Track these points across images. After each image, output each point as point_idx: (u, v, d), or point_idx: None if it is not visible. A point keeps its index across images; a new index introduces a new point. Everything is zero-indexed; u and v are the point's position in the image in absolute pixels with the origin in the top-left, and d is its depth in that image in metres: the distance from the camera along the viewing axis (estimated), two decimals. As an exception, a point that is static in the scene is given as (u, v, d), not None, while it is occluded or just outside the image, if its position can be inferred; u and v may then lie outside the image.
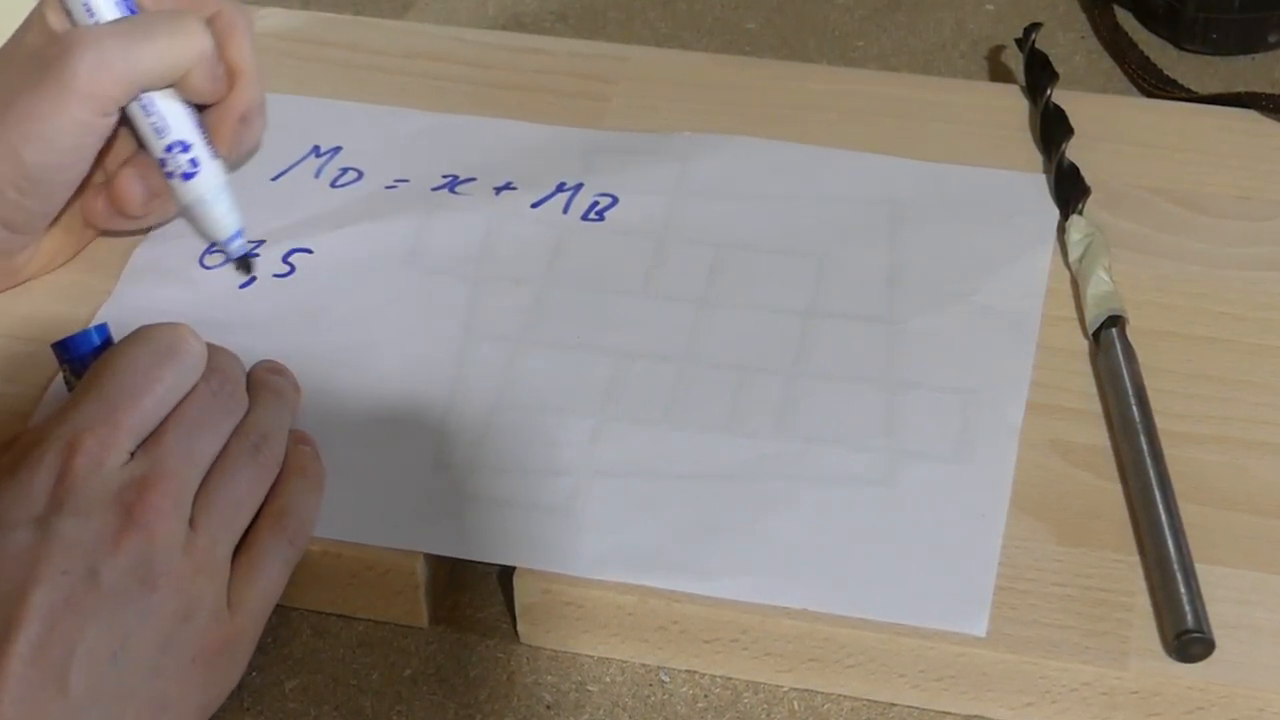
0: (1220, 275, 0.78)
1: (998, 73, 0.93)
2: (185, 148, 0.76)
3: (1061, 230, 0.79)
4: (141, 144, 0.77)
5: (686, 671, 0.68)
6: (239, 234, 0.78)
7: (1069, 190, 0.80)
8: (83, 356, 0.67)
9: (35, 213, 0.74)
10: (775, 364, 0.74)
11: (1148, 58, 0.92)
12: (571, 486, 0.70)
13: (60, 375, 0.69)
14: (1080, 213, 0.79)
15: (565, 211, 0.81)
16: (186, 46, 0.74)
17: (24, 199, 0.73)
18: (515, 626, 0.69)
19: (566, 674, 0.68)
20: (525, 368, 0.75)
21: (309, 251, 0.79)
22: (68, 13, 0.74)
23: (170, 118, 0.75)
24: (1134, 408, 0.71)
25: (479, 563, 0.70)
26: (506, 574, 0.69)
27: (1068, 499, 0.70)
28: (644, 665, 0.68)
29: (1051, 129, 0.82)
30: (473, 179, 0.82)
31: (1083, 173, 0.80)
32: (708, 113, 0.85)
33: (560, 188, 0.82)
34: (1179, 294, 0.77)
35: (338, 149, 0.84)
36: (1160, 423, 0.71)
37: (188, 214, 0.78)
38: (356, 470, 0.71)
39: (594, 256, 0.79)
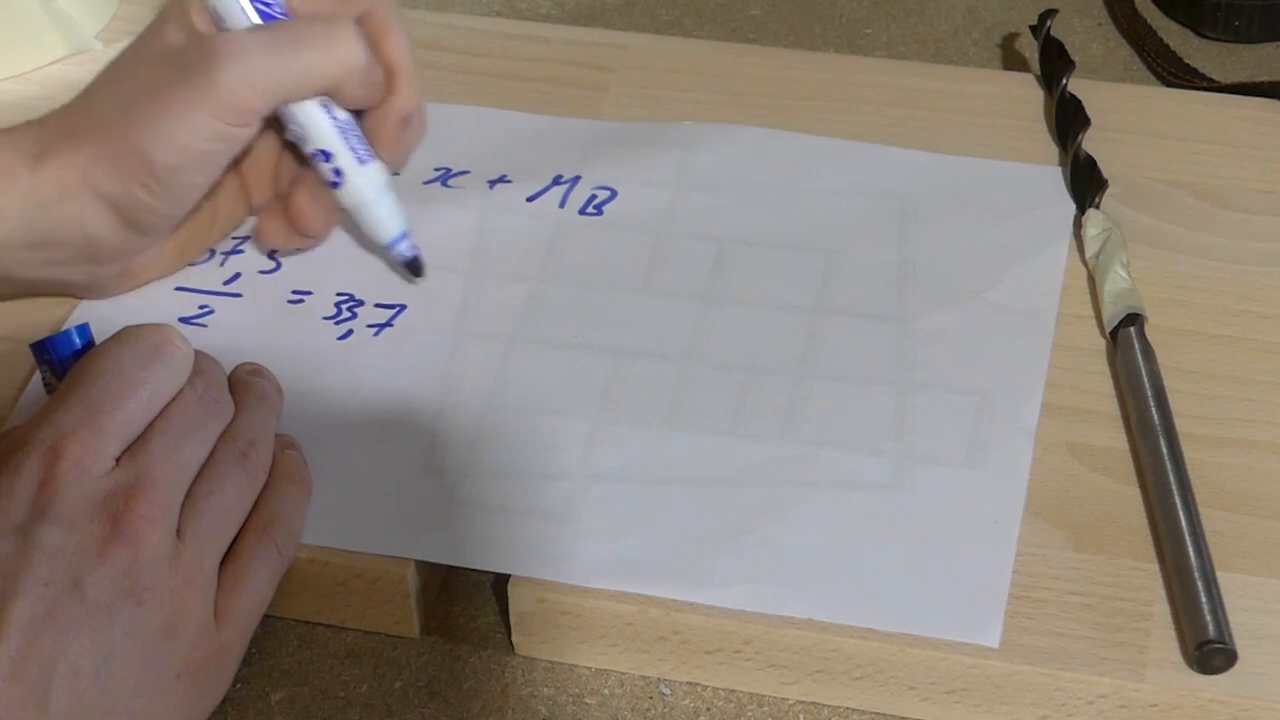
0: (1242, 271, 0.78)
1: (1011, 61, 0.93)
2: (327, 156, 0.75)
3: (1078, 225, 0.79)
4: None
5: (688, 684, 0.68)
6: (401, 238, 0.77)
7: (1086, 183, 0.80)
8: (63, 358, 0.67)
9: (161, 215, 0.73)
10: (780, 364, 0.74)
11: (1167, 45, 0.92)
12: (568, 491, 0.70)
13: (38, 376, 0.69)
14: (1097, 206, 0.79)
15: (562, 205, 0.81)
16: (337, 59, 0.73)
17: (151, 199, 0.72)
18: (510, 637, 0.69)
19: (563, 686, 0.68)
20: (520, 368, 0.75)
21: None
22: (214, 13, 0.73)
23: (309, 126, 0.75)
24: (1153, 409, 0.71)
25: (472, 570, 0.70)
26: (501, 582, 0.69)
27: (1084, 504, 0.70)
28: (644, 677, 0.68)
29: (1067, 119, 0.82)
30: (466, 171, 0.82)
31: (1100, 165, 0.80)
32: (710, 102, 0.85)
33: (557, 180, 0.82)
34: (1200, 291, 0.77)
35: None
36: (1180, 425, 0.71)
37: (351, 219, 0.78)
38: (344, 475, 0.71)
39: (592, 252, 0.79)
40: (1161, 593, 0.67)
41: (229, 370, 0.70)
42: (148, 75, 0.72)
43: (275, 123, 0.75)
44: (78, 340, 0.68)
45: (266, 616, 0.67)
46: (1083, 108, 0.82)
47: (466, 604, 0.71)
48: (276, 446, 0.69)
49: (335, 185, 0.76)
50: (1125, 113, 0.84)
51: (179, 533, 0.63)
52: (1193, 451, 0.70)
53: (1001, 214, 0.80)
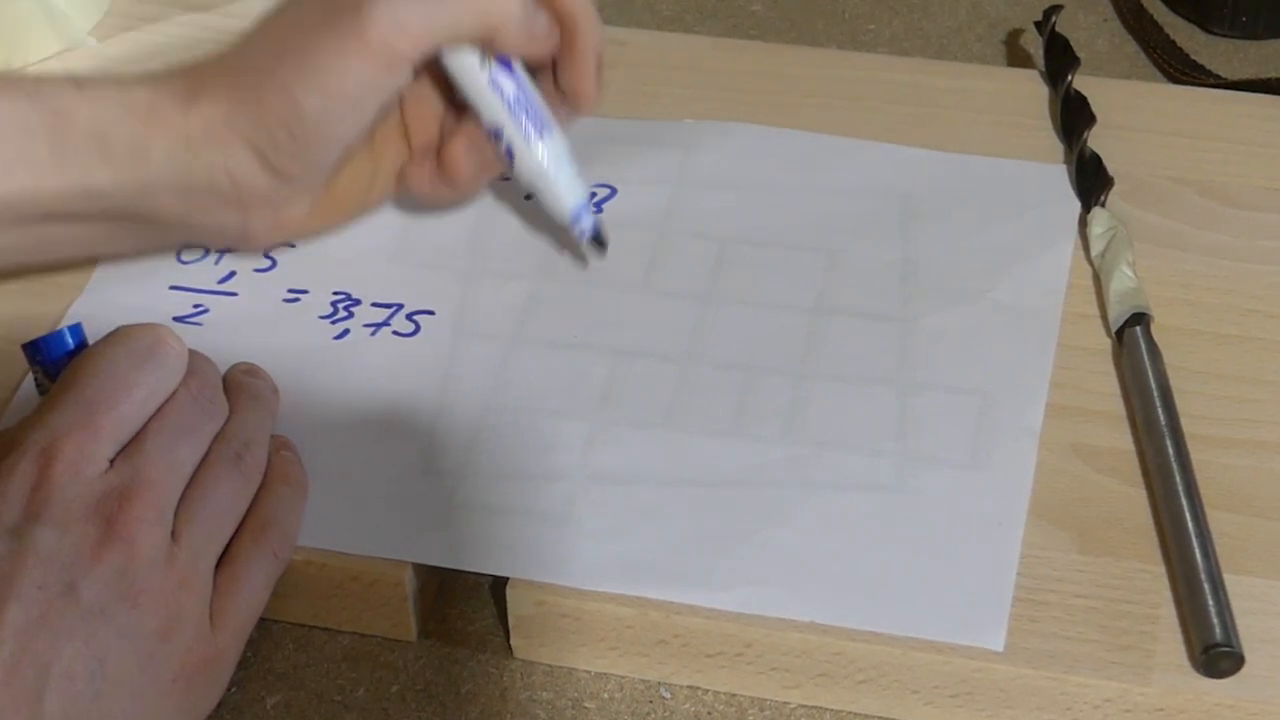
0: (1250, 270, 0.78)
1: (1016, 58, 0.93)
2: (497, 134, 0.74)
3: (1083, 223, 0.79)
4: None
5: (689, 687, 0.68)
6: (579, 214, 0.75)
7: (1091, 181, 0.80)
8: (56, 359, 0.67)
9: (307, 162, 0.72)
10: (782, 364, 0.74)
11: (1174, 41, 0.92)
12: (567, 493, 0.70)
13: (30, 377, 0.69)
14: (1103, 205, 0.79)
15: (561, 203, 0.81)
16: (492, 4, 0.71)
17: (295, 145, 0.71)
18: (508, 640, 0.69)
19: (562, 690, 0.68)
20: (519, 368, 0.75)
21: (291, 245, 0.79)
22: None
23: (478, 99, 0.73)
24: (1159, 410, 0.71)
25: (470, 573, 0.70)
26: (499, 585, 0.69)
27: (1089, 506, 0.70)
28: (644, 681, 0.68)
29: (1073, 117, 0.82)
30: (463, 169, 0.82)
31: (1105, 163, 0.80)
32: (711, 99, 0.85)
33: (556, 178, 0.82)
34: (1206, 290, 0.77)
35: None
36: (1187, 425, 0.71)
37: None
38: (341, 476, 0.71)
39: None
40: (1168, 595, 0.67)
41: (224, 370, 0.70)
42: (298, 18, 0.71)
43: (438, 78, 0.74)
44: (70, 340, 0.68)
45: (262, 619, 0.67)
46: (1088, 105, 0.82)
47: (464, 607, 0.71)
48: (272, 447, 0.69)
49: (509, 162, 0.74)
50: (1131, 110, 0.84)
51: (174, 535, 0.63)
52: (1199, 452, 0.70)
53: (1005, 212, 0.80)
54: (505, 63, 0.73)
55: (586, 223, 0.76)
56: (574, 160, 0.75)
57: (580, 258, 0.78)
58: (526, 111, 0.74)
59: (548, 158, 0.74)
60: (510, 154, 0.74)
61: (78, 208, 0.72)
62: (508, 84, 0.74)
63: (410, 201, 0.80)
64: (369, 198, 0.78)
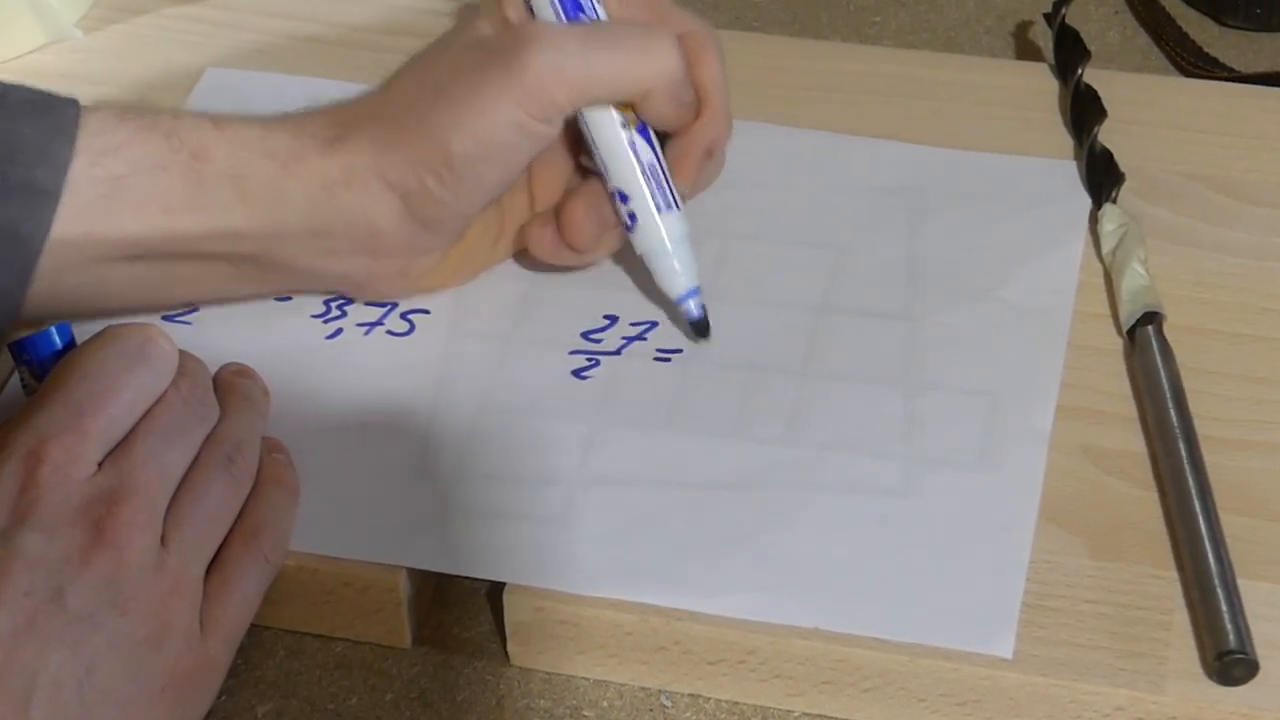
0: (1265, 268, 0.78)
1: (1025, 50, 0.93)
2: (624, 198, 0.73)
3: (1094, 220, 0.79)
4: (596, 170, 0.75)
5: (690, 695, 0.68)
6: (689, 295, 0.74)
7: (1102, 177, 0.80)
8: (43, 358, 0.67)
9: (451, 210, 0.72)
10: (786, 364, 0.75)
11: (1186, 34, 0.92)
12: (565, 496, 0.70)
13: (16, 377, 0.69)
14: (1114, 201, 0.79)
15: (559, 200, 0.81)
16: (652, 64, 0.71)
17: (443, 191, 0.71)
18: (505, 647, 0.69)
19: (560, 698, 0.68)
20: (515, 368, 0.75)
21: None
22: (529, 7, 0.73)
23: (612, 161, 0.73)
24: (1172, 411, 0.71)
25: (466, 578, 0.70)
26: (495, 590, 0.69)
27: (1100, 509, 0.70)
28: (644, 689, 0.69)
29: (1083, 111, 0.82)
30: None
31: (1116, 158, 0.80)
32: (712, 93, 0.85)
33: (555, 174, 0.82)
34: (1220, 289, 0.77)
35: (313, 132, 0.84)
36: (1200, 427, 0.71)
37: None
38: (333, 479, 0.71)
39: (590, 248, 0.79)
40: (1180, 601, 0.67)
41: (214, 371, 0.70)
42: (452, 61, 0.72)
43: (569, 140, 0.74)
44: (58, 340, 0.68)
45: (253, 626, 0.67)
46: (1099, 99, 0.82)
47: (460, 613, 0.71)
48: (263, 450, 0.69)
49: (629, 228, 0.74)
50: (1143, 104, 0.84)
51: (163, 540, 0.63)
52: (1213, 454, 0.70)
53: (1014, 209, 0.80)
54: (643, 128, 0.73)
55: (694, 309, 0.75)
56: (691, 243, 0.74)
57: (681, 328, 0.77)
58: (656, 181, 0.74)
59: (669, 234, 0.74)
60: (632, 221, 0.74)
61: (209, 248, 0.72)
62: (645, 149, 0.73)
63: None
64: (493, 255, 0.78)
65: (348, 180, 0.71)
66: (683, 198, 0.74)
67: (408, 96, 0.72)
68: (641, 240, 0.74)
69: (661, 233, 0.74)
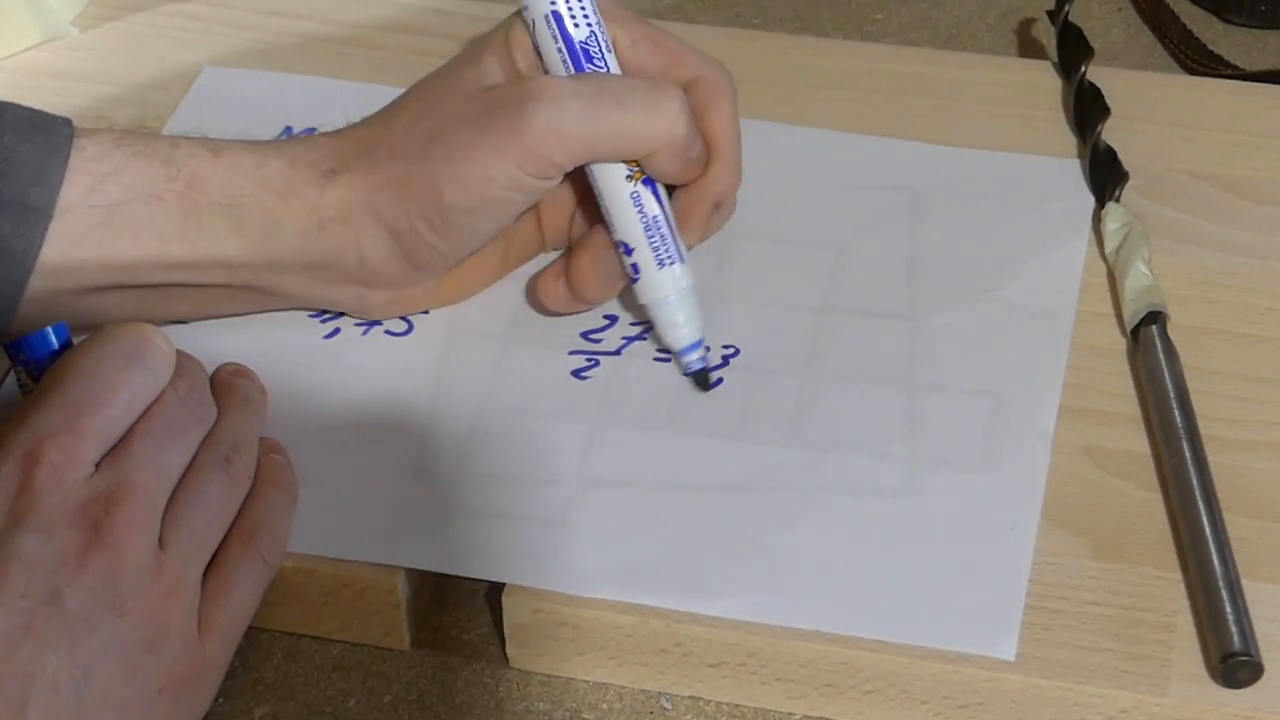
0: (1270, 267, 0.78)
1: (1028, 48, 0.93)
2: (628, 250, 0.73)
3: (1097, 219, 0.79)
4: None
5: (690, 698, 0.68)
6: (695, 346, 0.74)
7: (1105, 175, 0.80)
8: (40, 358, 0.67)
9: (440, 253, 0.72)
10: (787, 364, 0.74)
11: (1190, 31, 0.92)
12: (565, 497, 0.70)
13: (12, 377, 0.69)
14: (1118, 200, 0.79)
15: (559, 199, 0.81)
16: (656, 126, 0.71)
17: (433, 237, 0.71)
18: (504, 649, 0.69)
19: (559, 700, 0.68)
20: (514, 368, 0.75)
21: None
22: (537, 53, 0.72)
23: (616, 214, 0.73)
24: (1176, 411, 0.71)
25: (465, 579, 0.70)
26: (495, 592, 0.69)
27: (1104, 510, 0.70)
28: (644, 691, 0.68)
29: (1086, 109, 0.82)
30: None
31: (1120, 156, 0.80)
32: (713, 91, 0.85)
33: (554, 173, 0.82)
34: (1225, 288, 0.77)
35: (312, 129, 0.84)
36: (1204, 427, 0.71)
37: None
38: (331, 480, 0.71)
39: (590, 247, 0.79)
40: (1184, 603, 0.67)
41: (211, 371, 0.70)
42: (455, 109, 0.71)
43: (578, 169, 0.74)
44: (54, 339, 0.68)
45: (251, 628, 0.67)
46: (1102, 96, 0.82)
47: (459, 614, 0.71)
48: (261, 451, 0.69)
49: (633, 280, 0.74)
50: (1147, 102, 0.84)
51: (161, 541, 0.63)
52: (1217, 455, 0.70)
53: (1017, 208, 0.80)
54: (650, 181, 0.73)
55: (695, 363, 0.74)
56: (695, 298, 0.74)
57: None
58: (661, 235, 0.73)
59: (671, 288, 0.73)
60: (636, 273, 0.73)
61: (202, 276, 0.72)
62: (651, 202, 0.73)
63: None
64: (495, 277, 0.78)
65: (343, 216, 0.71)
66: (689, 248, 0.74)
67: (408, 136, 0.71)
68: (644, 293, 0.74)
69: (664, 288, 0.73)
